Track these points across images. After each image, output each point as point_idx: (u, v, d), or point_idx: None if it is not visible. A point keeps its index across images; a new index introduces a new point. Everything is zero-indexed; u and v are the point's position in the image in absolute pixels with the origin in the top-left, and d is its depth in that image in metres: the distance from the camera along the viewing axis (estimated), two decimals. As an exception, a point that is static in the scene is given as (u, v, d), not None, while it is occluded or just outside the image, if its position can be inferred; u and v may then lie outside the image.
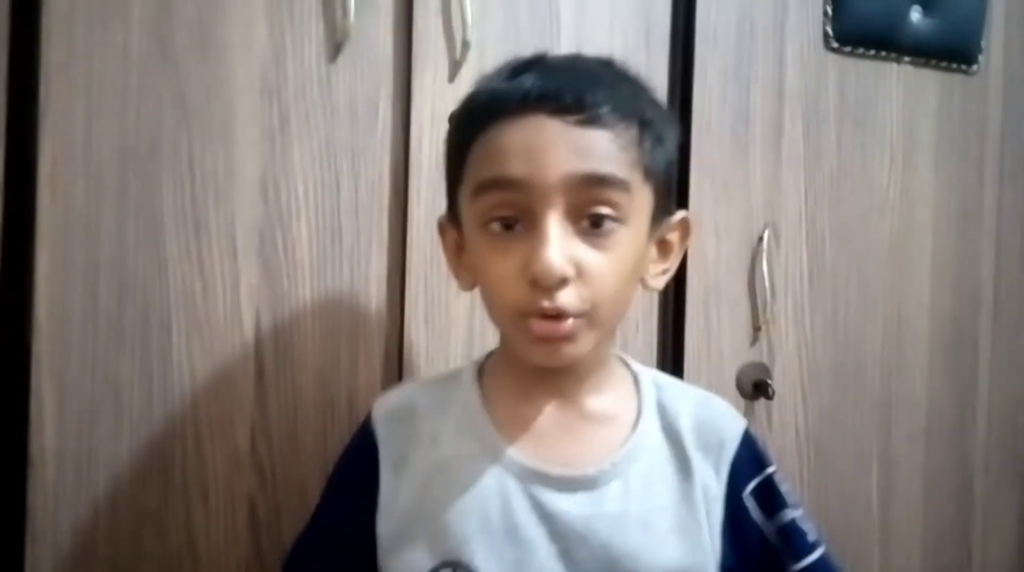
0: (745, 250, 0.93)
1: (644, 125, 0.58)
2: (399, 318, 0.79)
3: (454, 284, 0.68)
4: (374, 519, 0.61)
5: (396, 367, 0.80)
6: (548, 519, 0.58)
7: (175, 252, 0.70)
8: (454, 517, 0.58)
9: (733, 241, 0.93)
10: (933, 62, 1.01)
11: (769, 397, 0.93)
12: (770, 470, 0.64)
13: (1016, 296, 1.10)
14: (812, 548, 0.64)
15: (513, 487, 0.59)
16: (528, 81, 0.57)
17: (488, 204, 0.57)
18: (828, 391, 0.98)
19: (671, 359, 0.92)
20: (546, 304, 0.55)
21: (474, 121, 0.59)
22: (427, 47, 0.78)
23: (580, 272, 0.55)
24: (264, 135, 0.73)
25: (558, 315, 0.55)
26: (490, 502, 0.58)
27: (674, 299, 0.92)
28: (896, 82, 1.00)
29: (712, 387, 0.89)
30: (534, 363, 0.59)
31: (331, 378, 0.76)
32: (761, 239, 0.93)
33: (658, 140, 0.60)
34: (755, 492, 0.63)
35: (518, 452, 0.60)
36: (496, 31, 0.82)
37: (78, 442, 0.67)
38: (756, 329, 0.94)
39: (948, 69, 1.03)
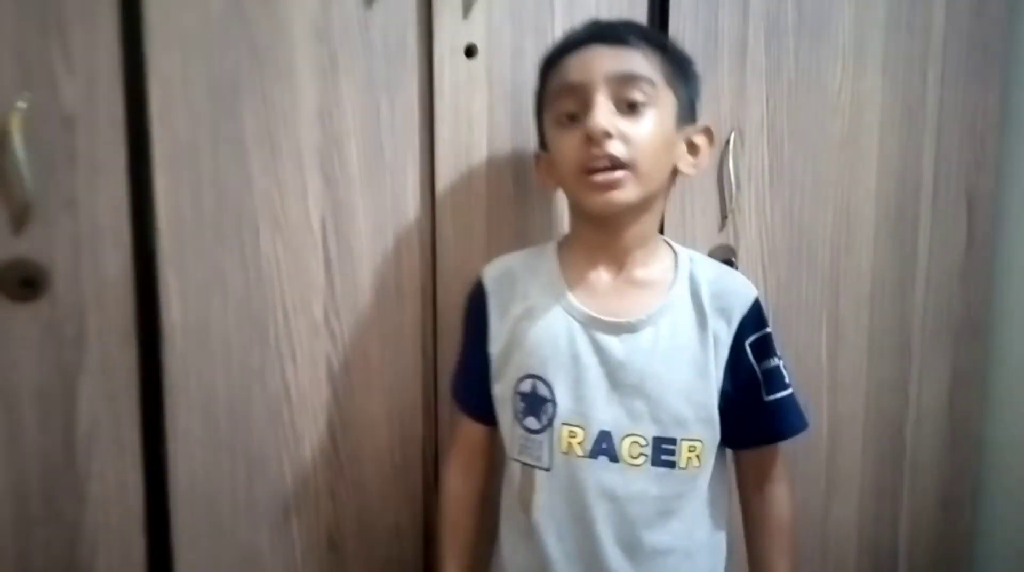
0: (714, 151, 1.10)
1: (663, 51, 0.84)
2: (431, 217, 0.98)
3: (476, 187, 0.92)
4: (488, 347, 0.87)
5: (430, 255, 0.98)
6: (600, 351, 0.82)
7: (257, 169, 0.89)
8: (536, 345, 0.83)
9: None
10: (882, -21, 1.15)
11: (734, 271, 1.13)
12: (767, 330, 0.86)
13: (953, 182, 1.26)
14: (785, 388, 0.87)
15: (577, 329, 0.83)
16: (583, 30, 0.86)
17: (559, 106, 0.83)
18: (784, 267, 1.17)
19: (653, 244, 1.11)
20: (597, 151, 0.78)
21: (548, 62, 0.87)
22: (445, -10, 0.94)
23: (622, 134, 0.79)
24: (318, 72, 0.90)
25: (610, 165, 0.78)
26: (560, 338, 0.83)
27: (655, 194, 1.10)
28: (848, 0, 1.15)
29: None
30: (594, 211, 0.82)
31: (380, 264, 0.95)
32: (728, 142, 1.10)
33: (678, 66, 0.85)
34: (753, 343, 0.85)
35: (582, 305, 0.84)
36: (501, -28, 0.97)
37: (196, 317, 0.88)
38: (723, 217, 1.12)
39: (896, -16, 1.17)
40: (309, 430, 0.94)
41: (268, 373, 0.92)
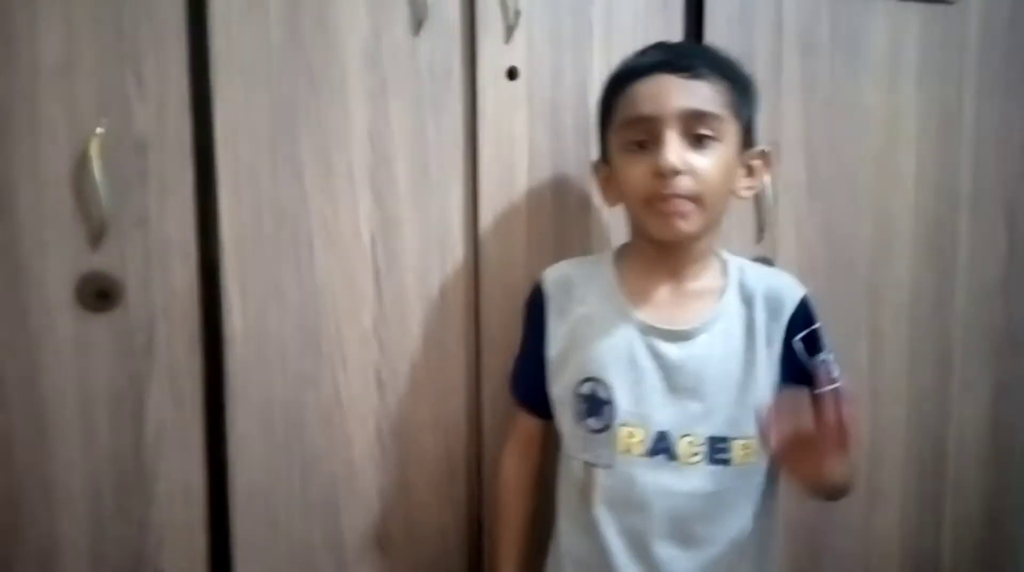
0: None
1: (732, 81, 0.86)
2: (474, 230, 1.02)
3: (517, 203, 0.96)
4: (545, 348, 0.92)
5: (473, 268, 1.03)
6: (657, 357, 0.86)
7: (312, 187, 0.95)
8: (595, 350, 0.88)
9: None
10: (915, -4, 1.17)
11: (771, 284, 1.15)
12: (816, 325, 0.90)
13: (992, 194, 1.26)
14: (834, 381, 0.88)
15: (634, 335, 0.87)
16: (653, 54, 0.88)
17: (627, 133, 0.86)
18: (823, 278, 1.18)
19: (690, 256, 1.14)
20: (666, 187, 0.82)
21: (618, 83, 0.89)
22: (487, 17, 0.99)
23: (689, 168, 0.82)
24: (369, 96, 0.96)
25: (676, 196, 0.82)
26: (619, 343, 0.87)
27: (692, 208, 1.13)
28: (882, 16, 1.16)
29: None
30: (659, 237, 0.86)
31: (426, 276, 1.00)
32: (765, 156, 1.13)
33: (742, 93, 0.88)
34: (803, 339, 0.89)
35: (639, 313, 0.88)
36: (541, -1, 1.02)
37: (256, 327, 0.94)
38: (760, 229, 1.14)
39: (930, 1, 1.18)
40: (359, 434, 0.99)
41: (321, 379, 0.97)
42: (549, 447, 0.98)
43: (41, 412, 0.88)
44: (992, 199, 1.27)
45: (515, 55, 1.01)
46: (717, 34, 1.09)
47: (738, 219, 1.13)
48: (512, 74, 1.01)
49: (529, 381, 0.95)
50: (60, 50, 0.85)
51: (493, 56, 1.00)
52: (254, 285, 0.94)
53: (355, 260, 0.97)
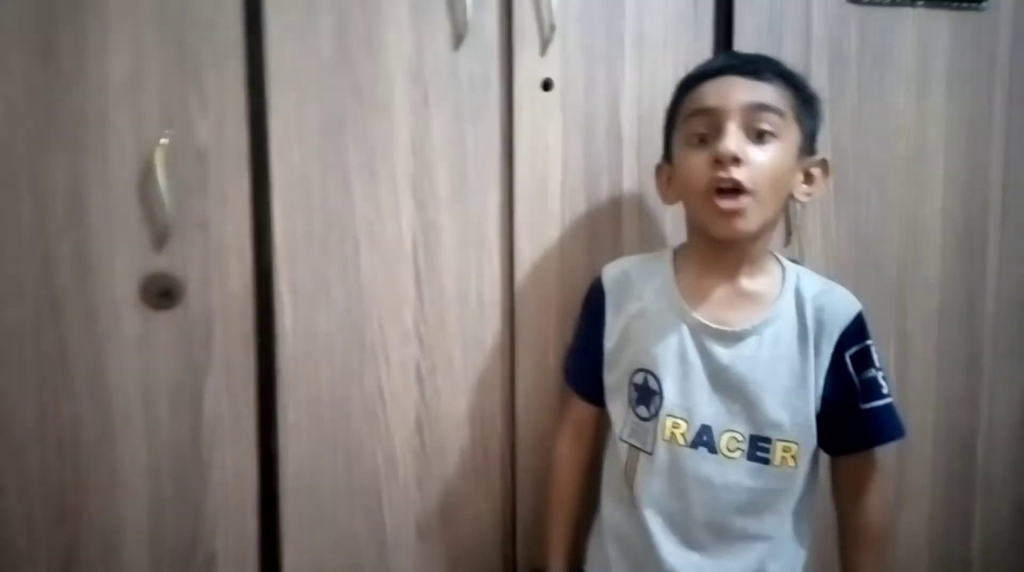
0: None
1: (795, 87, 0.90)
2: (509, 235, 1.07)
3: (551, 210, 1.02)
4: (602, 341, 0.96)
5: (509, 271, 1.07)
6: (706, 355, 0.90)
7: (359, 194, 1.00)
8: (649, 343, 0.92)
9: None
10: (945, 3, 1.18)
11: (799, 287, 1.17)
12: (868, 342, 0.91)
13: (1021, 200, 1.26)
14: (883, 397, 0.91)
15: (686, 332, 0.91)
16: (722, 59, 0.95)
17: (691, 126, 0.89)
18: (850, 281, 1.17)
19: (720, 260, 1.17)
20: (724, 175, 0.85)
21: (688, 84, 0.93)
22: (523, 32, 1.04)
23: (748, 160, 0.85)
24: (412, 107, 1.01)
25: (734, 188, 0.85)
26: (671, 339, 0.91)
27: (722, 213, 1.16)
28: (911, 23, 1.18)
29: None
30: (717, 235, 0.88)
31: (464, 278, 1.05)
32: (792, 162, 1.16)
33: (806, 102, 0.91)
34: (854, 355, 0.90)
35: (693, 311, 0.91)
36: (575, 12, 1.06)
37: (305, 324, 1.00)
38: (788, 234, 1.17)
39: (959, 8, 1.19)
40: (400, 427, 1.05)
41: (365, 375, 1.03)
42: (601, 433, 1.03)
43: (107, 403, 0.95)
44: (1022, 204, 1.27)
45: (550, 68, 1.05)
46: (746, 44, 1.12)
47: (767, 224, 1.16)
48: (547, 86, 1.05)
49: (585, 370, 0.99)
50: (128, 66, 0.92)
51: (529, 69, 1.05)
52: (304, 286, 1.00)
53: (398, 263, 1.03)
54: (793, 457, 0.88)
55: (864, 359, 0.90)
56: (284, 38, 0.96)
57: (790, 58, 1.13)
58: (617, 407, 0.96)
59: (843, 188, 1.19)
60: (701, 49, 1.10)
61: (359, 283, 1.02)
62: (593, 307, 0.99)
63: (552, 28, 1.04)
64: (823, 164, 0.94)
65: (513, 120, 1.05)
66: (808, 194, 0.93)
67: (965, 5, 1.20)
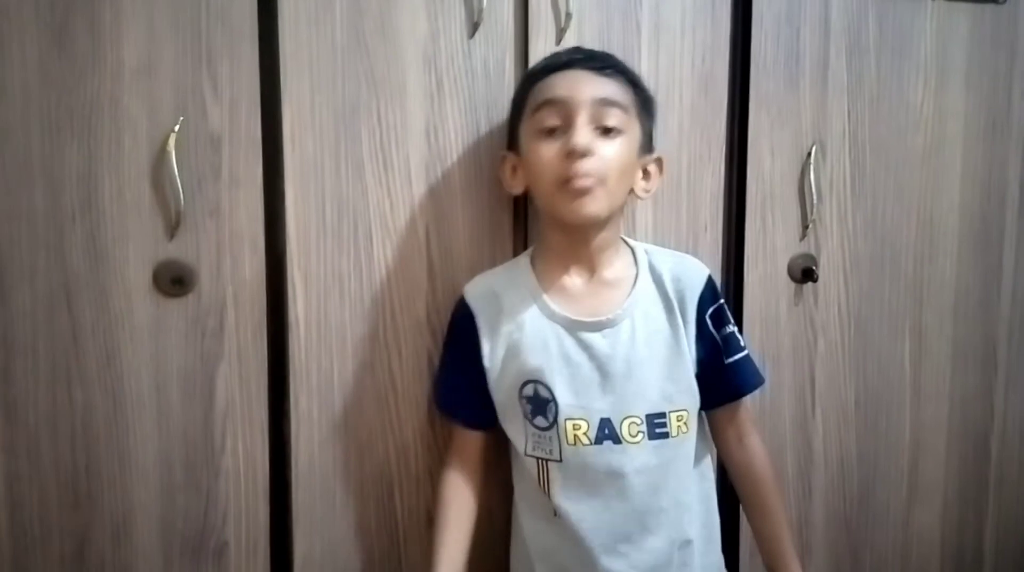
0: (796, 163, 1.14)
1: (637, 87, 0.94)
2: (524, 224, 1.07)
3: None
4: (482, 363, 0.95)
5: (522, 261, 1.08)
6: (587, 349, 0.92)
7: (372, 182, 1.00)
8: (530, 354, 0.92)
9: (785, 157, 1.14)
10: (964, -3, 1.18)
11: (814, 280, 1.15)
12: (720, 301, 0.97)
13: None
14: (741, 349, 0.98)
15: (562, 332, 0.93)
16: (569, 54, 0.95)
17: (541, 118, 0.90)
18: (867, 276, 1.20)
19: (734, 252, 1.15)
20: (576, 166, 0.86)
21: (536, 75, 0.94)
22: (539, 20, 1.03)
23: (597, 153, 0.87)
24: (426, 95, 1.01)
25: (584, 175, 0.87)
26: (550, 342, 0.92)
27: (736, 205, 1.14)
28: (930, 16, 1.17)
29: (766, 274, 1.15)
30: (568, 218, 0.90)
31: (477, 268, 1.03)
32: (809, 154, 1.14)
33: (645, 102, 0.95)
34: (711, 315, 0.96)
35: (562, 309, 0.93)
36: (591, 1, 1.05)
37: (317, 313, 0.99)
38: (805, 227, 1.16)
39: (978, 1, 1.18)
40: (411, 417, 1.04)
41: (377, 364, 1.02)
42: (488, 458, 1.01)
43: (119, 389, 0.95)
44: (1041, 198, 1.26)
45: (566, 56, 1.04)
46: (765, 34, 1.12)
47: (782, 216, 1.15)
48: (563, 74, 1.04)
49: (464, 397, 0.97)
50: (142, 53, 0.92)
51: (544, 56, 1.03)
52: (316, 274, 0.99)
53: (411, 252, 1.02)
54: (685, 423, 0.93)
55: (720, 318, 0.96)
56: (298, 24, 0.96)
57: (809, 49, 1.14)
58: (514, 424, 0.95)
59: (860, 181, 1.18)
60: (719, 39, 1.10)
61: (372, 272, 1.01)
62: (463, 330, 0.96)
63: (568, 16, 1.03)
64: (658, 162, 0.98)
65: (528, 109, 1.04)
66: (646, 190, 0.97)
67: (984, -2, 1.18)
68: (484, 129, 1.03)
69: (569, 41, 1.04)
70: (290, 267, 0.98)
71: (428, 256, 1.03)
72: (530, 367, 0.92)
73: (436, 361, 1.04)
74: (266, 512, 1.00)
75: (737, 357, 0.97)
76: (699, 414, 0.97)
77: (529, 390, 0.92)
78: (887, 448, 1.23)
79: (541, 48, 1.04)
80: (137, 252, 0.94)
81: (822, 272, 1.17)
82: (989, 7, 1.19)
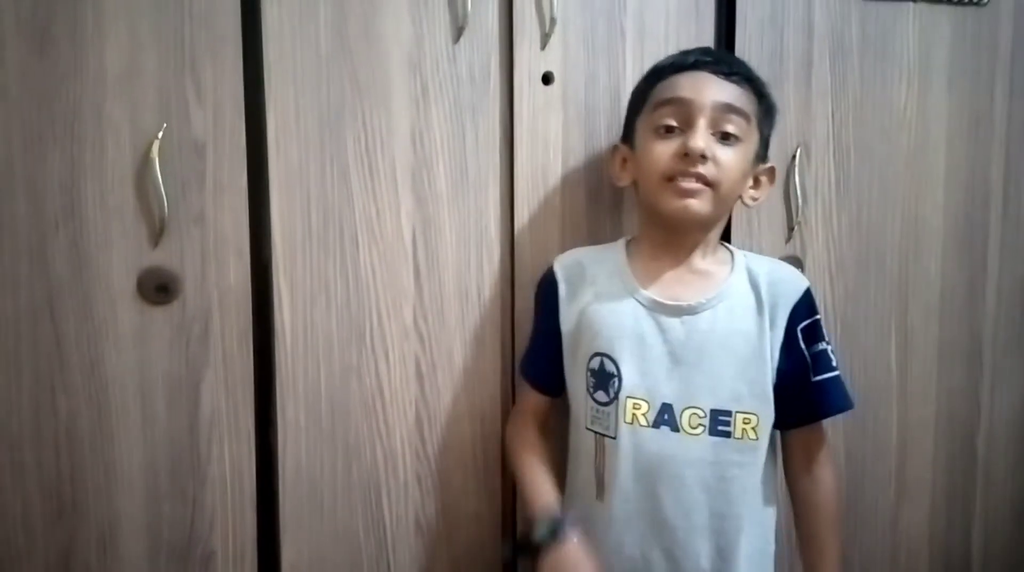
0: (780, 165, 1.13)
1: (760, 97, 0.94)
2: (510, 230, 1.06)
3: (551, 204, 1.01)
4: (559, 329, 0.97)
5: (509, 266, 1.07)
6: (663, 332, 0.91)
7: (358, 188, 1.00)
8: (605, 327, 0.93)
9: (770, 159, 1.15)
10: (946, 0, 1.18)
11: (800, 281, 1.17)
12: (817, 317, 0.95)
13: (1022, 194, 1.26)
14: (832, 370, 0.95)
15: (641, 312, 0.93)
16: (697, 54, 0.94)
17: (661, 115, 0.91)
18: (852, 276, 1.20)
19: (721, 255, 1.16)
20: (690, 168, 0.88)
21: (662, 72, 0.94)
22: (524, 25, 1.03)
23: (713, 156, 0.88)
24: (411, 100, 1.00)
25: (696, 177, 0.88)
26: (626, 320, 0.92)
27: (722, 207, 1.16)
28: (913, 17, 1.18)
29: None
30: (670, 215, 0.91)
31: (464, 273, 1.04)
32: (794, 157, 1.14)
33: (767, 110, 0.96)
34: (804, 328, 0.93)
35: (646, 291, 0.94)
36: (576, 5, 1.05)
37: (303, 319, 0.99)
38: (790, 229, 1.16)
39: (960, 2, 1.19)
40: (399, 423, 1.04)
41: (364, 371, 1.02)
42: (551, 423, 1.03)
43: (104, 397, 0.94)
44: (1022, 198, 1.27)
45: (550, 61, 1.05)
46: (748, 36, 1.12)
47: (768, 218, 1.16)
48: (547, 79, 1.05)
49: (540, 361, 1.00)
50: (125, 58, 0.91)
51: (529, 62, 1.04)
52: (302, 280, 0.99)
53: (397, 257, 1.02)
54: (753, 429, 0.90)
55: (814, 333, 0.93)
56: (282, 29, 0.95)
57: (792, 51, 1.14)
58: (578, 396, 0.96)
59: (844, 182, 1.19)
60: (703, 42, 1.10)
61: (358, 278, 1.01)
62: (547, 298, 0.99)
63: (553, 21, 1.03)
64: (771, 172, 0.98)
65: (513, 113, 1.05)
66: (755, 199, 0.98)
67: (966, 1, 1.19)
68: (470, 133, 1.03)
69: (554, 45, 1.04)
70: (275, 274, 0.98)
71: (414, 262, 1.03)
72: (601, 339, 0.92)
73: (424, 367, 1.04)
74: (253, 520, 1.00)
75: (826, 376, 0.93)
76: (772, 433, 0.93)
77: (595, 363, 0.92)
78: (874, 448, 1.24)
79: (526, 52, 1.04)
80: (121, 260, 0.93)
81: (808, 273, 1.17)
82: (971, 9, 1.20)
